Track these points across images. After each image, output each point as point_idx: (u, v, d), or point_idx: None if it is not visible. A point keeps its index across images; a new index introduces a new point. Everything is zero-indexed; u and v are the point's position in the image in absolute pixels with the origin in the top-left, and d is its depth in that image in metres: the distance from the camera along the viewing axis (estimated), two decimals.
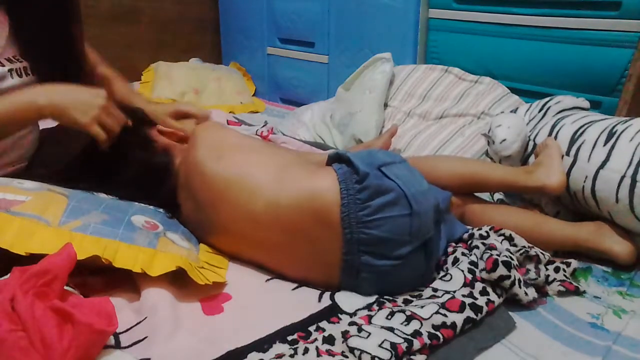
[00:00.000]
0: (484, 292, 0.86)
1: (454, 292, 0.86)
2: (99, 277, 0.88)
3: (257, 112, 2.29)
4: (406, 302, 0.88)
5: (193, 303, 0.86)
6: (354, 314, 0.85)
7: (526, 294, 0.89)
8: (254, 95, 2.52)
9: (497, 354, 0.79)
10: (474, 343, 0.80)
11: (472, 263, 0.91)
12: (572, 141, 1.11)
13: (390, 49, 1.81)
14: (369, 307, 0.87)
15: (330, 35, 2.14)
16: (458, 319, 0.80)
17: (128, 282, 0.87)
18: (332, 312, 0.85)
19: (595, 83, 1.49)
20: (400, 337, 0.75)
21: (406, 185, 0.86)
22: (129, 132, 1.03)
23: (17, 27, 1.01)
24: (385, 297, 0.90)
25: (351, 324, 0.80)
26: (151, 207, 1.01)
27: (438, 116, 1.63)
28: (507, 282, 0.87)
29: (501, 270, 0.87)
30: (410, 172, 0.92)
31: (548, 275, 0.96)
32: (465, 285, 0.87)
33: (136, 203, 0.99)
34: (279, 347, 0.76)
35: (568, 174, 1.09)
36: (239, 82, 2.46)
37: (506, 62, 1.68)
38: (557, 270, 0.97)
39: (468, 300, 0.83)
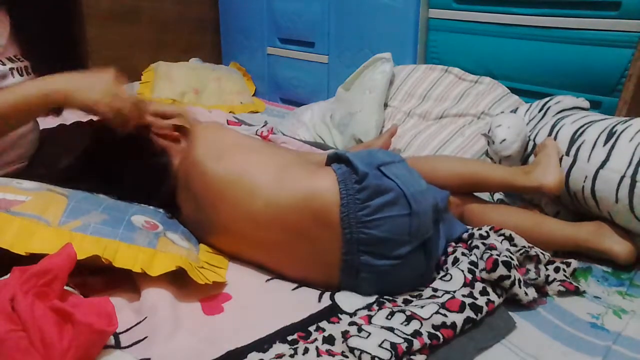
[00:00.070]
0: (484, 292, 0.86)
1: (454, 292, 0.86)
2: (99, 277, 0.88)
3: (257, 112, 2.29)
4: (406, 302, 0.88)
5: (193, 303, 0.86)
6: (354, 314, 0.85)
7: (526, 294, 0.89)
8: (254, 95, 2.52)
9: (497, 354, 0.79)
10: (474, 343, 0.80)
11: (472, 263, 0.91)
12: (572, 141, 1.11)
13: (390, 49, 1.81)
14: (369, 307, 0.87)
15: (330, 35, 2.14)
16: (458, 319, 0.80)
17: (128, 282, 0.87)
18: (332, 312, 0.85)
19: (595, 83, 1.49)
20: (400, 337, 0.75)
21: (405, 185, 0.86)
22: (128, 134, 1.03)
23: (18, 27, 1.02)
24: (385, 297, 0.90)
25: (351, 324, 0.80)
26: (151, 207, 1.01)
27: (438, 116, 1.63)
28: (507, 282, 0.87)
29: (501, 270, 0.87)
30: (409, 171, 0.92)
31: (548, 275, 0.96)
32: (465, 285, 0.87)
33: (136, 203, 0.99)
34: (279, 347, 0.76)
35: (568, 174, 1.09)
36: (239, 82, 2.46)
37: (506, 62, 1.68)
38: (557, 270, 0.97)
39: (468, 300, 0.83)
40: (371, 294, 0.90)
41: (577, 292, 0.94)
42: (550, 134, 1.17)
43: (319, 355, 0.73)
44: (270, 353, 0.75)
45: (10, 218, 0.79)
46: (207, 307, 0.85)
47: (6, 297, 0.63)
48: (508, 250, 0.95)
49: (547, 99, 1.31)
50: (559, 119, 1.20)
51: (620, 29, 1.42)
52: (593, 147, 1.06)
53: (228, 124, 1.94)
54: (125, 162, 1.05)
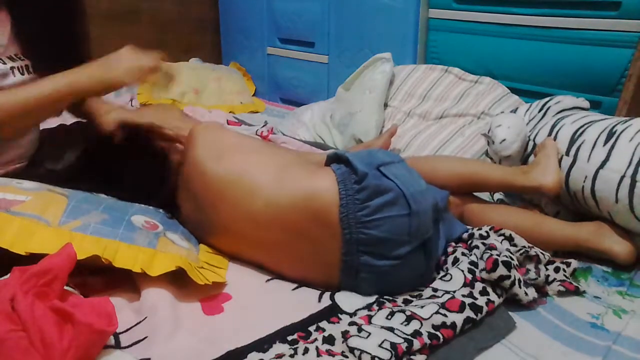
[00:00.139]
0: (484, 292, 0.86)
1: (454, 292, 0.86)
2: (99, 277, 0.88)
3: (257, 112, 2.29)
4: (406, 302, 0.88)
5: (193, 303, 0.86)
6: (354, 314, 0.85)
7: (526, 294, 0.89)
8: (254, 95, 2.52)
9: (497, 354, 0.79)
10: (474, 343, 0.80)
11: (472, 263, 0.91)
12: (572, 141, 1.11)
13: (390, 49, 1.81)
14: (369, 307, 0.87)
15: (330, 35, 2.14)
16: (458, 319, 0.80)
17: (128, 282, 0.87)
18: (332, 312, 0.85)
19: (595, 83, 1.49)
20: (400, 337, 0.75)
21: (405, 185, 0.86)
22: (127, 136, 1.04)
23: (18, 26, 1.02)
24: (385, 297, 0.90)
25: (351, 324, 0.80)
26: (151, 207, 1.01)
27: (438, 116, 1.63)
28: (507, 282, 0.87)
29: (501, 270, 0.87)
30: (409, 171, 0.92)
31: (548, 275, 0.96)
32: (465, 285, 0.87)
33: (136, 203, 0.99)
34: (279, 347, 0.76)
35: (568, 174, 1.09)
36: (239, 82, 2.47)
37: (506, 62, 1.68)
38: (557, 270, 0.97)
39: (468, 300, 0.83)
40: (371, 294, 0.89)
41: (577, 292, 0.94)
42: (550, 134, 1.17)
43: (319, 355, 0.73)
44: (270, 353, 0.75)
45: (10, 218, 0.79)
46: (207, 307, 0.85)
47: (6, 297, 0.63)
48: (508, 250, 0.95)
49: (547, 99, 1.31)
50: (559, 119, 1.20)
51: (620, 29, 1.42)
52: (593, 147, 1.06)
53: (228, 124, 1.95)
54: (125, 162, 1.05)
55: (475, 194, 1.18)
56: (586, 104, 1.28)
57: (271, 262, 0.95)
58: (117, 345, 0.75)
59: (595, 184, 1.03)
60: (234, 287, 0.91)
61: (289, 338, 0.79)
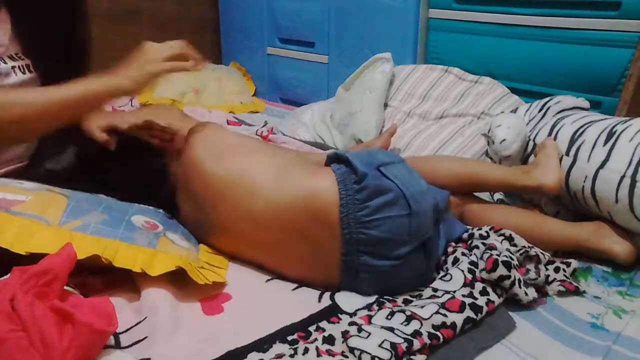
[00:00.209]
0: (484, 292, 0.86)
1: (454, 292, 0.86)
2: (99, 277, 0.88)
3: (257, 112, 2.29)
4: (406, 302, 0.88)
5: (193, 303, 0.86)
6: (354, 314, 0.85)
7: (526, 294, 0.89)
8: (254, 95, 2.52)
9: (497, 354, 0.79)
10: (474, 343, 0.80)
11: (472, 263, 0.91)
12: (572, 141, 1.11)
13: (390, 49, 1.81)
14: (368, 307, 0.87)
15: (330, 35, 2.14)
16: (458, 319, 0.80)
17: (128, 282, 0.87)
18: (332, 312, 0.85)
19: (595, 83, 1.49)
20: (400, 337, 0.75)
21: (405, 185, 0.86)
22: (125, 138, 1.04)
23: (19, 25, 1.02)
24: (385, 297, 0.90)
25: (351, 324, 0.80)
26: (151, 207, 1.01)
27: (438, 116, 1.63)
28: (507, 282, 0.87)
29: (501, 270, 0.87)
30: (409, 172, 0.92)
31: (548, 275, 0.96)
32: (465, 285, 0.87)
33: (136, 203, 0.99)
34: (279, 347, 0.76)
35: (568, 174, 1.09)
36: (239, 82, 2.46)
37: (506, 62, 1.68)
38: (557, 270, 0.97)
39: (468, 300, 0.83)
40: (371, 294, 0.89)
41: (577, 292, 0.94)
42: (550, 134, 1.17)
43: (319, 355, 0.73)
44: (270, 353, 0.75)
45: (10, 218, 0.79)
46: (207, 307, 0.85)
47: (6, 297, 0.63)
48: (508, 250, 0.95)
49: (547, 99, 1.31)
50: (559, 119, 1.20)
51: (620, 29, 1.42)
52: (593, 147, 1.06)
53: (228, 124, 1.95)
54: (125, 162, 1.05)
55: (475, 194, 1.18)
56: (586, 104, 1.28)
57: (271, 262, 0.95)
58: (117, 345, 0.74)
59: (595, 184, 1.03)
60: (234, 287, 0.91)
61: (289, 338, 0.79)
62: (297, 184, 0.90)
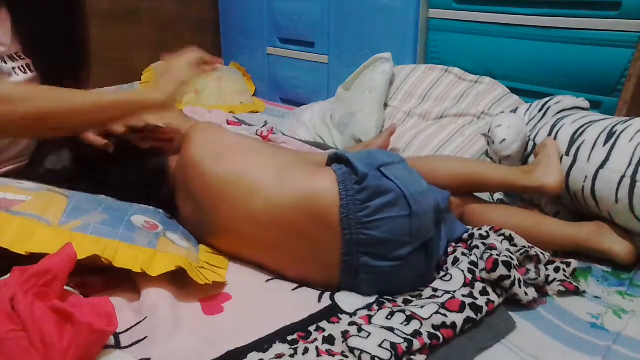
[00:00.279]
0: (484, 292, 0.86)
1: (454, 292, 0.86)
2: (99, 277, 0.88)
3: (257, 112, 2.29)
4: (406, 302, 0.88)
5: (193, 303, 0.86)
6: (354, 314, 0.85)
7: (526, 294, 0.89)
8: (254, 95, 2.52)
9: (497, 354, 0.79)
10: (474, 343, 0.80)
11: (472, 263, 0.91)
12: (572, 141, 1.11)
13: (390, 49, 1.81)
14: (369, 307, 0.87)
15: (330, 35, 2.13)
16: (458, 319, 0.80)
17: (128, 282, 0.87)
18: (332, 312, 0.85)
19: (595, 83, 1.49)
20: (400, 337, 0.75)
21: (405, 186, 0.86)
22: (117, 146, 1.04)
23: (19, 25, 1.02)
24: (385, 297, 0.90)
25: (351, 324, 0.80)
26: (151, 207, 1.01)
27: (438, 116, 1.63)
28: (507, 282, 0.87)
29: (501, 270, 0.87)
30: (410, 172, 0.92)
31: (548, 275, 0.96)
32: (465, 285, 0.87)
33: (136, 203, 0.99)
34: (279, 347, 0.76)
35: (568, 174, 1.09)
36: (239, 82, 2.46)
37: (506, 62, 1.68)
38: (557, 270, 0.97)
39: (468, 300, 0.83)
40: (371, 295, 0.89)
41: (577, 292, 0.94)
42: (550, 134, 1.17)
43: (319, 355, 0.73)
44: (270, 353, 0.75)
45: (10, 218, 0.79)
46: (207, 307, 0.85)
47: (6, 297, 0.63)
48: (508, 250, 0.95)
49: (547, 99, 1.31)
50: (559, 119, 1.20)
51: (620, 29, 1.42)
52: (593, 147, 1.06)
53: (228, 124, 1.95)
54: (125, 162, 1.05)
55: (475, 194, 1.18)
56: (586, 104, 1.28)
57: (271, 262, 0.95)
58: (117, 345, 0.74)
59: (595, 184, 1.03)
60: (234, 287, 0.91)
61: (289, 338, 0.79)
62: (297, 183, 0.90)
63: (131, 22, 2.41)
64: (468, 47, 1.76)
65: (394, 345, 0.73)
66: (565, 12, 1.52)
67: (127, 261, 0.82)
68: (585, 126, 1.11)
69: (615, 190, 0.99)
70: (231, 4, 2.58)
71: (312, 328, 0.81)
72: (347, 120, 1.70)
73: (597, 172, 1.03)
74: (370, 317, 0.82)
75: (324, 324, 0.82)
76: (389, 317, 0.81)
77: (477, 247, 0.96)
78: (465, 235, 1.02)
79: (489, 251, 0.92)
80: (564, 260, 1.00)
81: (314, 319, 0.84)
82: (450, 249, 0.99)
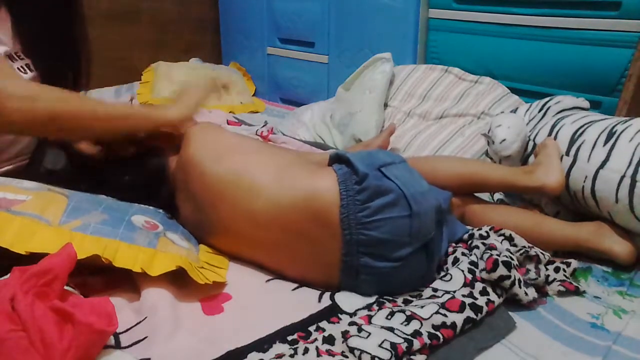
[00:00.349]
0: (484, 292, 0.86)
1: (454, 292, 0.86)
2: (99, 277, 0.88)
3: (257, 112, 2.29)
4: (406, 302, 0.88)
5: (193, 303, 0.86)
6: (354, 314, 0.85)
7: (526, 294, 0.89)
8: (254, 95, 2.52)
9: (497, 354, 0.79)
10: (474, 343, 0.80)
11: (472, 263, 0.91)
12: (572, 141, 1.11)
13: (390, 49, 1.81)
14: (369, 307, 0.87)
15: (330, 35, 2.13)
16: (458, 319, 0.80)
17: (128, 282, 0.87)
18: (332, 312, 0.85)
19: (595, 83, 1.49)
20: (400, 337, 0.75)
21: (405, 186, 0.86)
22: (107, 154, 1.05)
23: (19, 25, 1.02)
24: (385, 297, 0.90)
25: (351, 324, 0.80)
26: (151, 207, 1.01)
27: (438, 116, 1.63)
28: (507, 282, 0.87)
29: (501, 270, 0.87)
30: (410, 172, 0.92)
31: (548, 275, 0.96)
32: (465, 285, 0.87)
33: (136, 203, 0.99)
34: (279, 347, 0.76)
35: (568, 174, 1.09)
36: (239, 82, 2.46)
37: (506, 62, 1.68)
38: (557, 270, 0.97)
39: (468, 300, 0.83)
40: (371, 295, 0.89)
41: (577, 292, 0.94)
42: (550, 134, 1.17)
43: (319, 355, 0.73)
44: (270, 353, 0.75)
45: (10, 217, 0.79)
46: (207, 307, 0.85)
47: (6, 297, 0.63)
48: (508, 250, 0.95)
49: (547, 99, 1.31)
50: (559, 119, 1.20)
51: (620, 29, 1.42)
52: (593, 147, 1.06)
53: (228, 124, 1.95)
54: (124, 162, 1.05)
55: (475, 194, 1.18)
56: (586, 104, 1.28)
57: (271, 262, 0.95)
58: (117, 345, 0.75)
59: (595, 184, 1.03)
60: (234, 287, 0.91)
61: (289, 338, 0.79)
62: (298, 183, 0.90)
63: (131, 22, 2.41)
64: (468, 47, 1.76)
65: (394, 345, 0.73)
66: (565, 12, 1.52)
67: (127, 261, 0.82)
68: (585, 126, 1.11)
69: (615, 190, 0.99)
70: (231, 4, 2.58)
71: (312, 328, 0.81)
72: (347, 120, 1.70)
73: (597, 172, 1.03)
74: (370, 317, 0.82)
75: (324, 324, 0.82)
76: (389, 317, 0.81)
77: (477, 247, 0.96)
78: (465, 236, 1.02)
79: (489, 251, 0.92)
80: (564, 260, 1.00)
81: (314, 319, 0.84)
82: (450, 249, 0.99)
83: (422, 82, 1.73)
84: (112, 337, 0.75)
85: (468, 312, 0.82)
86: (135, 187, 1.03)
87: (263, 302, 0.88)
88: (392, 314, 0.81)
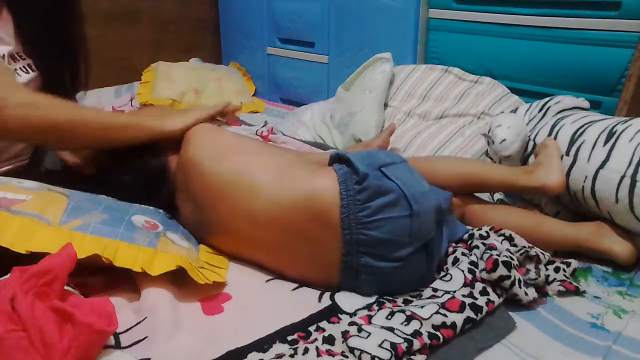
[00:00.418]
0: (484, 292, 0.86)
1: (454, 292, 0.86)
2: (99, 277, 0.88)
3: (257, 112, 2.29)
4: (406, 302, 0.88)
5: (193, 303, 0.86)
6: (354, 314, 0.85)
7: (526, 294, 0.89)
8: (254, 95, 2.52)
9: (497, 354, 0.79)
10: (474, 343, 0.80)
11: (472, 263, 0.91)
12: (572, 141, 1.11)
13: (390, 49, 1.81)
14: (369, 307, 0.87)
15: (330, 35, 2.13)
16: (458, 319, 0.80)
17: (128, 282, 0.87)
18: (332, 312, 0.85)
19: (595, 83, 1.49)
20: (400, 337, 0.75)
21: (406, 186, 0.86)
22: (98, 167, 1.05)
23: (20, 25, 1.02)
24: (385, 297, 0.90)
25: (351, 324, 0.80)
26: (151, 207, 1.01)
27: (438, 116, 1.63)
28: (507, 282, 0.87)
29: (501, 270, 0.87)
30: (410, 172, 0.92)
31: (548, 275, 0.96)
32: (465, 285, 0.87)
33: (136, 203, 0.99)
34: (279, 347, 0.76)
35: (568, 174, 1.09)
36: (239, 82, 2.46)
37: (506, 62, 1.68)
38: (557, 270, 0.97)
39: (468, 300, 0.83)
40: (371, 295, 0.89)
41: (577, 292, 0.94)
42: (550, 134, 1.17)
43: (319, 355, 0.73)
44: (270, 353, 0.75)
45: (10, 217, 0.79)
46: (207, 307, 0.85)
47: (6, 297, 0.63)
48: (508, 250, 0.95)
49: (547, 99, 1.31)
50: (559, 119, 1.20)
51: (620, 29, 1.42)
52: (593, 147, 1.06)
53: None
54: (124, 162, 1.05)
55: (475, 194, 1.18)
56: (586, 104, 1.28)
57: (271, 262, 0.95)
58: (117, 345, 0.74)
59: (595, 184, 1.03)
60: (234, 287, 0.91)
61: (289, 338, 0.79)
62: (298, 183, 0.90)
63: (131, 22, 2.40)
64: (468, 47, 1.76)
65: (394, 345, 0.73)
66: (565, 12, 1.52)
67: (127, 261, 0.82)
68: (585, 126, 1.11)
69: (615, 190, 1.00)
70: (231, 4, 2.58)
71: (312, 328, 0.81)
72: (347, 120, 1.70)
73: (597, 172, 1.03)
74: (370, 317, 0.82)
75: (324, 324, 0.82)
76: (389, 317, 0.81)
77: (477, 247, 0.96)
78: (465, 236, 1.02)
79: (489, 251, 0.92)
80: (564, 260, 1.00)
81: (314, 319, 0.83)
82: (450, 249, 0.99)
83: (422, 82, 1.73)
84: (112, 337, 0.75)
85: (468, 312, 0.82)
86: (136, 187, 1.03)
87: (263, 302, 0.88)
88: (392, 314, 0.81)
